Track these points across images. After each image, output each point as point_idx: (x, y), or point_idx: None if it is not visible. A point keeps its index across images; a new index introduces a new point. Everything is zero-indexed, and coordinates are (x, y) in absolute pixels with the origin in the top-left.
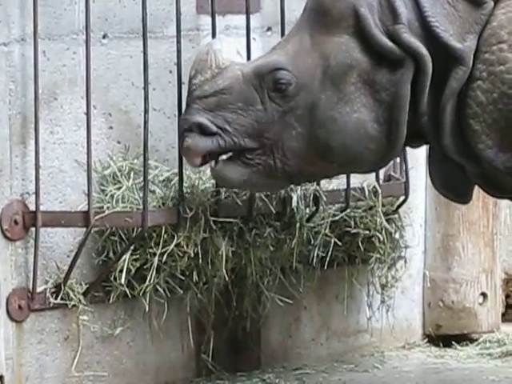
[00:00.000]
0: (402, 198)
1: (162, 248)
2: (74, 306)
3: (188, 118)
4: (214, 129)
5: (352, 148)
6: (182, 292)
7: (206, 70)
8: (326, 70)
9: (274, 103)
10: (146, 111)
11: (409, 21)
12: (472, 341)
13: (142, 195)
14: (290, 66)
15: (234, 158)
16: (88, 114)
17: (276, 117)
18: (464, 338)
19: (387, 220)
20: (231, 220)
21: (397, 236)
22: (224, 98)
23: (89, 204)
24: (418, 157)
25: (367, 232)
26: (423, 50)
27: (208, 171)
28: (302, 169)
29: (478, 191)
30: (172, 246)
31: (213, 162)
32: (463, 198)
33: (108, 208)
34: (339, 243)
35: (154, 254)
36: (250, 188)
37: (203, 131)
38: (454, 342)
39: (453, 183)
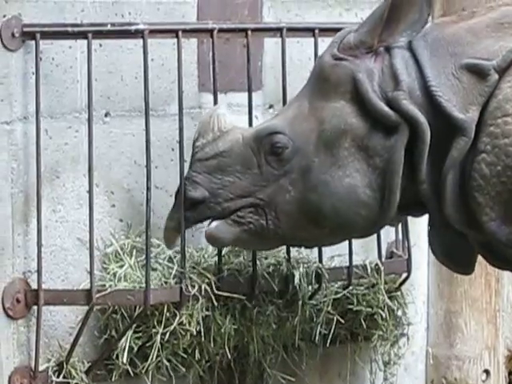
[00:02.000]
0: (404, 275)
1: (165, 326)
2: None
3: (185, 189)
4: (205, 199)
5: (343, 213)
6: (184, 370)
7: (209, 132)
8: (320, 134)
9: (270, 166)
10: (148, 189)
11: (410, 89)
12: None
13: (144, 273)
14: (287, 130)
15: (222, 217)
16: (90, 192)
17: (271, 180)
18: None
19: (390, 297)
20: (234, 297)
21: (399, 313)
22: (223, 161)
23: (91, 282)
24: (419, 234)
25: (370, 309)
26: (421, 117)
27: (210, 249)
28: (294, 233)
29: (480, 268)
30: (174, 324)
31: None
32: (465, 267)
33: (110, 286)
34: (342, 320)
35: (157, 333)
36: (241, 246)
37: (194, 205)
38: None
39: (454, 252)
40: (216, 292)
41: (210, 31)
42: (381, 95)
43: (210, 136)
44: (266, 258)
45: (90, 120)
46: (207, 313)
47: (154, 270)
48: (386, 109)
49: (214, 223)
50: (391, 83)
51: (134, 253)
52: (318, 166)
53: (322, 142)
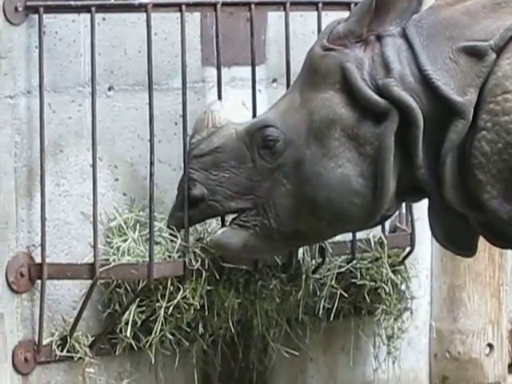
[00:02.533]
0: (407, 249)
1: (168, 300)
2: (80, 358)
3: (184, 186)
4: (204, 197)
5: (337, 203)
6: (188, 344)
7: (203, 129)
8: (310, 125)
9: (263, 160)
10: (151, 163)
11: (402, 76)
12: None
13: (147, 247)
14: (279, 123)
15: (230, 223)
16: (94, 166)
17: (265, 174)
18: None
19: (393, 271)
20: (238, 270)
21: (403, 287)
22: (218, 157)
23: (95, 256)
24: (423, 208)
25: (373, 283)
26: (413, 102)
27: (214, 223)
28: (294, 227)
29: (483, 242)
30: (178, 298)
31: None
32: (467, 250)
33: (114, 260)
34: (345, 295)
35: (160, 307)
36: (251, 253)
37: (195, 203)
38: None
39: (455, 235)
40: (220, 265)
41: (214, 5)
42: (371, 83)
43: (204, 132)
44: None
45: (93, 94)
46: (211, 287)
47: (158, 243)
48: (375, 96)
49: (220, 230)
50: (382, 71)
51: (138, 227)
52: (310, 158)
53: (312, 134)
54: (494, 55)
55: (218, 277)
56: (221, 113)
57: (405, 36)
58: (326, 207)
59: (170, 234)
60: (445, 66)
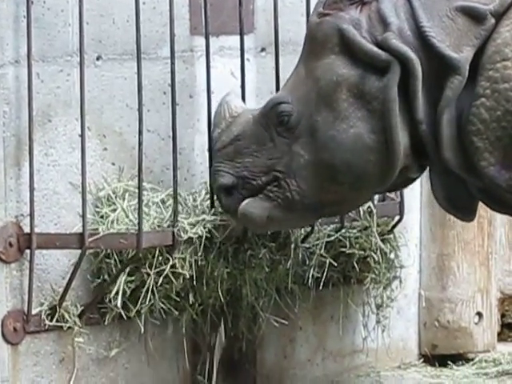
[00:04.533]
0: (396, 218)
1: (157, 270)
2: (69, 328)
3: (215, 179)
4: (235, 184)
5: (354, 163)
6: (177, 313)
7: (222, 121)
8: (318, 92)
9: (281, 137)
10: (140, 133)
11: (400, 30)
12: (468, 360)
13: (136, 217)
14: (290, 98)
15: (256, 194)
16: (82, 135)
17: (285, 150)
18: (460, 358)
19: (382, 240)
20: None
21: (392, 256)
22: (239, 144)
23: (83, 226)
24: None
25: (362, 252)
26: (411, 54)
27: (203, 193)
28: (319, 198)
29: None
30: (167, 267)
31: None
32: (467, 213)
33: (103, 230)
34: (334, 263)
35: (149, 276)
36: (276, 225)
37: (228, 191)
38: (449, 362)
39: (455, 197)
40: (207, 238)
41: None
42: (371, 40)
43: (223, 124)
44: None
45: (81, 63)
46: (200, 256)
47: (147, 214)
48: (375, 49)
49: (245, 201)
50: (380, 27)
51: (127, 196)
52: (323, 124)
53: (321, 100)
54: (492, 20)
55: (207, 246)
56: (236, 102)
57: None
58: (344, 170)
59: (160, 204)
60: (441, 23)
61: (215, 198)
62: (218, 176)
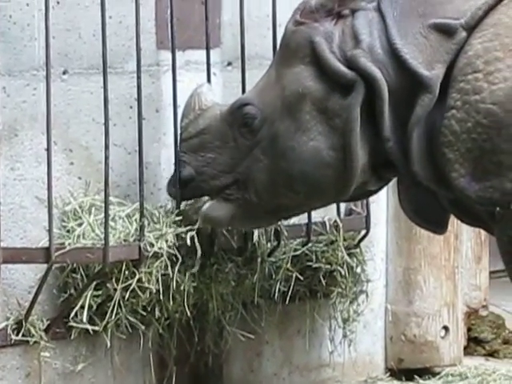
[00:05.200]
0: (363, 232)
1: (124, 284)
2: (35, 342)
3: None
4: (193, 177)
5: (310, 176)
6: (143, 327)
7: (191, 112)
8: (283, 100)
9: (243, 138)
10: (106, 147)
11: (371, 48)
12: (434, 374)
13: (103, 231)
14: (256, 101)
15: (216, 196)
16: (49, 150)
17: (245, 151)
18: (426, 372)
19: (349, 254)
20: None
21: (358, 270)
22: (204, 138)
23: (50, 240)
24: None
25: (329, 266)
26: (378, 74)
27: (169, 206)
28: (274, 202)
29: None
30: (133, 281)
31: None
32: (437, 226)
33: (69, 244)
34: (301, 278)
35: (116, 290)
36: (239, 224)
37: (185, 183)
38: (416, 376)
39: (426, 211)
40: (175, 249)
41: None
42: (340, 55)
43: (191, 115)
44: None
45: (47, 78)
46: (166, 271)
47: (113, 228)
48: (342, 68)
49: (207, 204)
50: (351, 43)
51: (93, 211)
52: (284, 133)
53: (285, 109)
54: (464, 33)
55: (173, 260)
56: (207, 95)
57: (379, 9)
58: (301, 181)
59: (126, 218)
60: (415, 40)
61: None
62: (180, 167)
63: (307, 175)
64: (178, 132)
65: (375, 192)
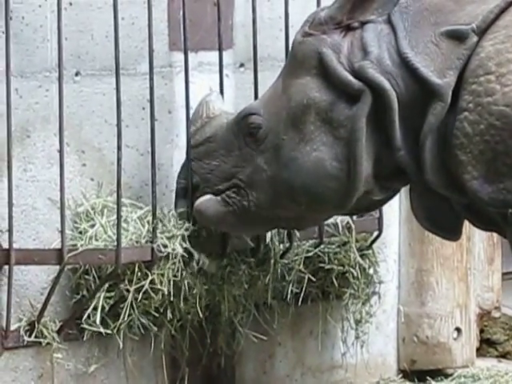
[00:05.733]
0: (375, 234)
1: (136, 285)
2: (48, 343)
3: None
4: (197, 184)
5: (313, 187)
6: (156, 329)
7: (198, 119)
8: (288, 111)
9: (248, 147)
10: (119, 148)
11: (379, 59)
12: (446, 376)
13: (115, 232)
14: (262, 111)
15: (216, 195)
16: (61, 151)
17: (249, 160)
18: (438, 373)
19: (361, 255)
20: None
21: (371, 271)
22: (210, 146)
23: (62, 241)
24: None
25: (341, 268)
26: (386, 84)
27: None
28: (275, 212)
29: None
30: (146, 283)
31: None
32: (451, 232)
33: (81, 245)
34: (313, 279)
35: (128, 292)
36: (228, 228)
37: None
38: (428, 378)
39: (439, 217)
40: (188, 251)
41: None
42: (348, 67)
43: (199, 123)
44: None
45: (60, 79)
46: (178, 272)
47: (126, 229)
48: (350, 77)
49: (204, 197)
50: (359, 55)
51: (105, 212)
52: (288, 143)
53: (290, 120)
54: (475, 38)
55: (186, 262)
56: (215, 103)
57: (389, 22)
58: (303, 192)
59: (139, 220)
60: (426, 49)
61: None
62: (184, 174)
63: (309, 187)
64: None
65: (385, 202)
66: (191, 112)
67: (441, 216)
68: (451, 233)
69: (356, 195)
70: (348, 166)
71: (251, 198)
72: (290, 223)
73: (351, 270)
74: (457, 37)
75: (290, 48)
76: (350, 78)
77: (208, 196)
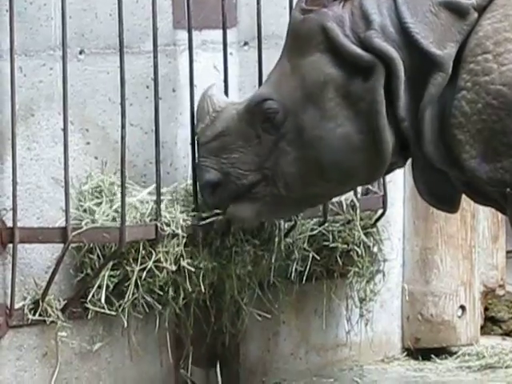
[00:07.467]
0: (379, 212)
1: (140, 264)
2: (52, 322)
3: (200, 175)
4: (221, 180)
5: (343, 163)
6: (160, 307)
7: (205, 116)
8: (304, 91)
9: (267, 134)
10: (123, 126)
11: (382, 27)
12: (451, 354)
13: (119, 211)
14: (275, 95)
15: (242, 196)
16: (65, 129)
17: (271, 147)
18: (443, 351)
19: (365, 234)
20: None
21: (375, 250)
22: (224, 140)
23: (66, 220)
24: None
25: (345, 246)
26: (394, 52)
27: (186, 187)
28: (305, 192)
29: None
30: (150, 261)
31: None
32: (450, 206)
33: (86, 224)
34: (317, 257)
35: (133, 270)
36: (266, 218)
37: (214, 188)
38: (432, 356)
39: (438, 190)
40: (192, 229)
41: None
42: (354, 38)
43: (207, 119)
44: None
45: (64, 57)
46: (183, 250)
47: (130, 207)
48: (358, 50)
49: (232, 205)
50: (362, 24)
51: (110, 190)
52: (310, 122)
53: (307, 99)
54: (475, 14)
55: (190, 240)
56: (219, 96)
57: None
58: (333, 168)
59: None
60: (425, 18)
61: (198, 192)
62: (203, 171)
63: (339, 162)
64: (195, 111)
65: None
66: (196, 90)
67: (440, 190)
68: (450, 206)
69: (386, 166)
70: (373, 136)
71: (280, 185)
72: (317, 199)
73: (355, 248)
74: (457, 10)
75: None
76: (359, 50)
77: (234, 204)
